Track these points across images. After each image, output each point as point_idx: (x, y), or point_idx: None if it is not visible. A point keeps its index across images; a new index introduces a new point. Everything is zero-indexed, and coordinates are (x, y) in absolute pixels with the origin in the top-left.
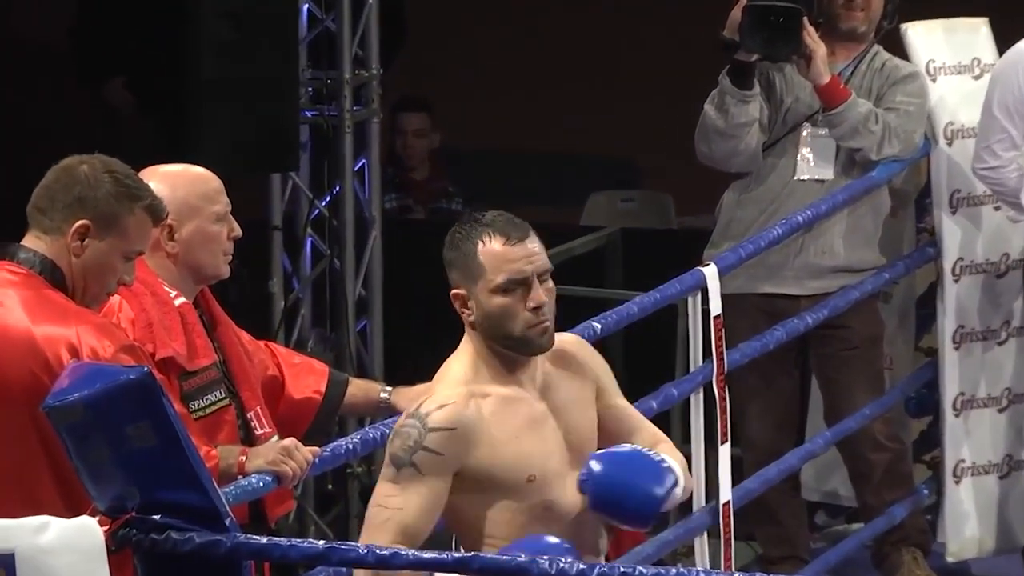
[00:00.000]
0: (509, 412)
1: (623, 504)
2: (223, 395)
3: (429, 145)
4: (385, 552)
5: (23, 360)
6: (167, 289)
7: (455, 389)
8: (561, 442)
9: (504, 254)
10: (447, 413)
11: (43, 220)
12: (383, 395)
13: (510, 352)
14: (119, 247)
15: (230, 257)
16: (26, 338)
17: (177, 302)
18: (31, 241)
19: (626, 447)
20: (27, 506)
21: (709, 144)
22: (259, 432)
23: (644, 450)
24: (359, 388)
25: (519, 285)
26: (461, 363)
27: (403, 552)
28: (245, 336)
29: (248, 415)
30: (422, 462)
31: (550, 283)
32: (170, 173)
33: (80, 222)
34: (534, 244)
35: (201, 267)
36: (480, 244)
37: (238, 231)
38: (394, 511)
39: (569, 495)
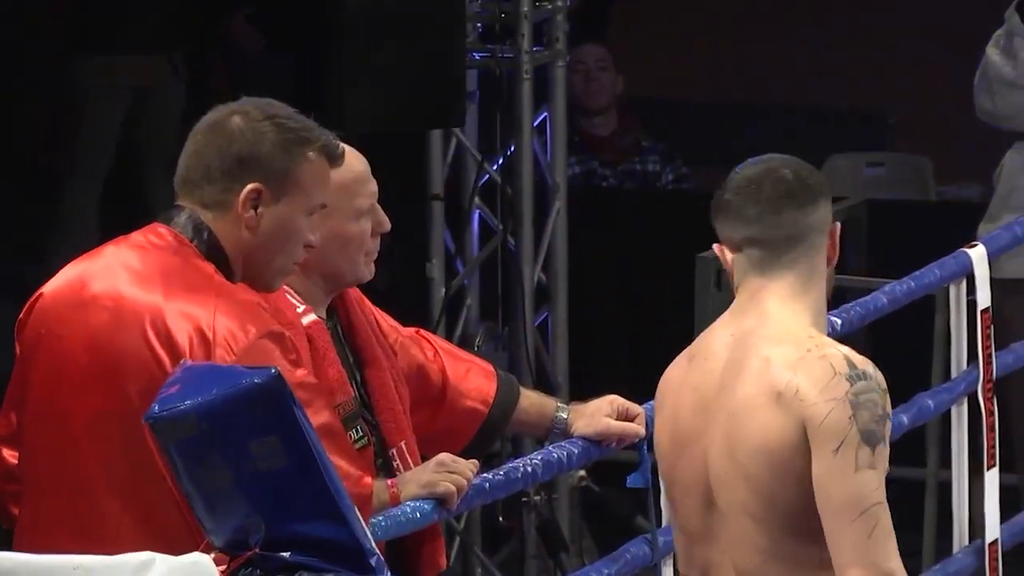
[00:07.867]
0: None
1: None
2: (360, 434)
3: (614, 88)
4: None
5: (140, 338)
6: (293, 302)
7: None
8: None
9: None
10: (875, 367)
11: (198, 193)
12: (560, 414)
13: None
14: (300, 204)
15: (375, 256)
16: (151, 311)
17: (305, 320)
18: None
19: None
20: (141, 530)
21: (992, 97)
22: (402, 472)
23: None
24: (532, 402)
25: None
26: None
27: None
28: (388, 323)
29: (390, 452)
30: (887, 433)
31: None
32: None
33: (249, 187)
34: None
35: (337, 275)
36: None
37: (386, 225)
38: (885, 504)
39: None
